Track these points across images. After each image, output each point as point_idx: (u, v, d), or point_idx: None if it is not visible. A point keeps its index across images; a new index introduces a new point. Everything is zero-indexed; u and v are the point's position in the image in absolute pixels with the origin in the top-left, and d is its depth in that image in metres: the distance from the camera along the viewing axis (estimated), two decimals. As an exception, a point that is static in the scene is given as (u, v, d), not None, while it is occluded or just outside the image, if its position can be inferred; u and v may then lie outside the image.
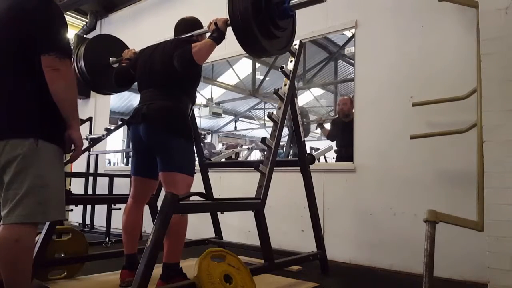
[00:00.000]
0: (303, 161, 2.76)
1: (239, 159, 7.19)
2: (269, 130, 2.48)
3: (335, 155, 4.49)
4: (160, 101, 2.20)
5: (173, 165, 2.13)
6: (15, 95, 1.58)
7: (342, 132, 4.11)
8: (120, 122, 2.73)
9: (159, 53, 2.30)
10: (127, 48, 2.78)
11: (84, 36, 6.07)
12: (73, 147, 1.70)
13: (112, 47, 2.89)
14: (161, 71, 2.25)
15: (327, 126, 5.19)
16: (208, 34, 2.24)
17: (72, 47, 2.47)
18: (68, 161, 1.79)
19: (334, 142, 4.55)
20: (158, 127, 2.15)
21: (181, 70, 2.15)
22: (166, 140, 2.14)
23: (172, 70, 2.17)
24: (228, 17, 2.01)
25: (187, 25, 2.49)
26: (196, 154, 3.03)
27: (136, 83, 2.44)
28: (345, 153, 3.80)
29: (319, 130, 5.56)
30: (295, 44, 2.67)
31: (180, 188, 2.05)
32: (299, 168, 2.77)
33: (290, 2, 1.97)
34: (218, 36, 2.10)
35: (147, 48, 2.44)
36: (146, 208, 2.54)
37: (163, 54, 2.27)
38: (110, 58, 2.78)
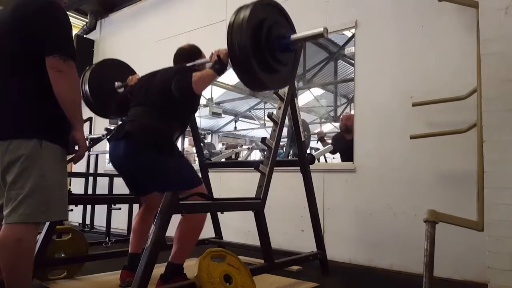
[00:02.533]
0: (303, 161, 2.76)
1: (239, 159, 7.19)
2: (269, 130, 2.48)
3: (335, 156, 4.50)
4: (146, 119, 2.12)
5: (169, 185, 2.00)
6: (19, 96, 1.59)
7: (345, 149, 4.04)
8: (120, 122, 2.72)
9: (159, 77, 2.26)
10: (134, 72, 2.77)
11: (84, 36, 6.07)
12: (76, 147, 1.71)
13: (118, 72, 2.82)
14: (156, 91, 2.18)
15: (328, 140, 5.20)
16: (208, 64, 2.19)
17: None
18: (71, 160, 1.79)
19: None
20: (140, 145, 2.04)
21: (177, 96, 2.08)
22: (151, 159, 2.03)
23: (168, 93, 2.09)
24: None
25: (187, 54, 2.40)
26: (196, 155, 3.03)
27: None
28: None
29: (319, 130, 5.56)
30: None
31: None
32: (299, 168, 2.77)
33: (291, 36, 1.93)
34: (220, 67, 2.04)
35: (147, 74, 2.40)
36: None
37: (162, 77, 2.23)
38: (116, 83, 2.72)
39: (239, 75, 1.89)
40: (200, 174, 3.27)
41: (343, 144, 4.12)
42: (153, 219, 2.41)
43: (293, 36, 1.94)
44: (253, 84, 2.00)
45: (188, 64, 2.28)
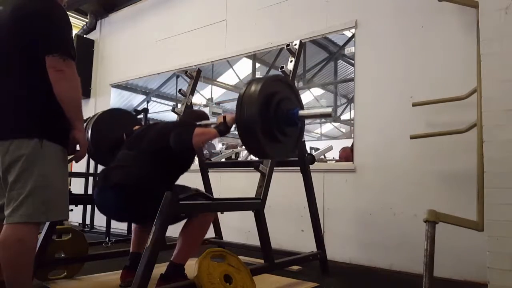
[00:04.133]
0: (303, 161, 2.76)
1: (239, 159, 7.18)
2: (269, 130, 2.48)
3: (335, 156, 4.51)
4: (135, 167, 2.04)
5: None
6: (20, 95, 1.59)
7: None
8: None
9: (159, 125, 2.27)
10: (139, 123, 2.73)
11: (84, 36, 6.07)
12: (78, 147, 1.71)
13: (122, 121, 2.72)
14: (152, 138, 2.15)
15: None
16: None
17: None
18: (72, 160, 1.78)
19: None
20: (129, 198, 1.99)
21: (173, 146, 2.03)
22: (142, 205, 1.98)
23: (163, 142, 2.06)
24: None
25: (195, 116, 2.48)
26: (196, 155, 3.02)
27: None
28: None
29: (319, 130, 5.56)
30: (295, 44, 2.67)
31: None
32: (299, 168, 2.77)
33: (299, 112, 1.94)
34: (223, 129, 2.04)
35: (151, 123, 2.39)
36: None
37: (162, 126, 2.23)
38: (124, 134, 2.51)
39: (244, 143, 1.90)
40: (200, 174, 3.28)
41: None
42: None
43: (301, 112, 1.95)
44: (257, 153, 2.00)
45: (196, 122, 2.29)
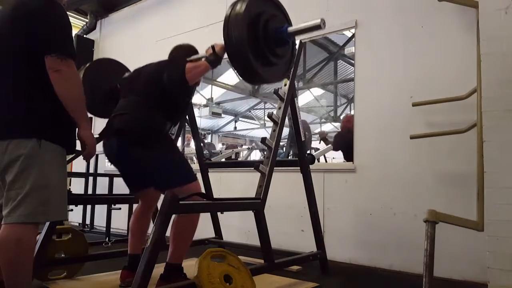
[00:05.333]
0: (303, 161, 2.76)
1: (239, 159, 7.19)
2: (269, 130, 2.48)
3: (335, 155, 4.50)
4: (136, 110, 2.08)
5: (165, 181, 2.02)
6: (19, 95, 1.59)
7: (349, 145, 4.04)
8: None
9: (150, 67, 2.24)
10: (128, 70, 2.69)
11: (84, 36, 6.07)
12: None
13: (114, 71, 2.71)
14: (145, 81, 2.16)
15: (330, 140, 5.21)
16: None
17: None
18: (74, 158, 1.78)
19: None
20: (131, 142, 2.02)
21: (168, 85, 2.05)
22: (143, 155, 2.01)
23: (157, 83, 2.07)
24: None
25: (183, 50, 2.36)
26: (196, 155, 3.03)
27: None
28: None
29: (318, 130, 5.56)
30: (295, 44, 2.67)
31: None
32: (299, 168, 2.77)
33: (288, 29, 1.92)
34: (214, 60, 2.02)
35: (140, 67, 2.36)
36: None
37: (153, 67, 2.21)
38: (118, 84, 2.55)
39: (236, 68, 1.89)
40: (200, 174, 3.27)
41: (346, 140, 4.10)
42: (149, 217, 2.41)
43: (290, 29, 1.93)
44: (250, 77, 2.01)
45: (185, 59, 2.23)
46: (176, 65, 2.08)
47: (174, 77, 2.04)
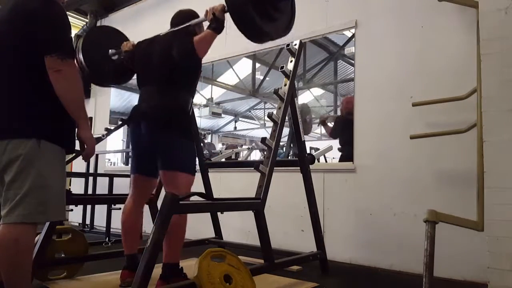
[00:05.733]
0: (303, 161, 2.76)
1: (239, 159, 7.18)
2: (269, 130, 2.48)
3: (335, 155, 4.47)
4: (160, 99, 2.19)
5: (174, 164, 2.14)
6: (18, 95, 1.59)
7: (347, 129, 4.02)
8: (120, 122, 2.72)
9: (157, 46, 2.28)
10: (127, 39, 2.74)
11: (84, 36, 6.07)
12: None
13: (111, 39, 2.81)
14: (160, 65, 2.23)
15: (330, 124, 5.16)
16: (206, 24, 2.18)
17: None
18: (73, 159, 1.79)
19: (337, 140, 4.50)
20: (158, 126, 2.15)
21: (180, 62, 2.13)
22: (167, 139, 2.14)
23: (171, 63, 2.15)
24: (224, 3, 1.97)
25: (185, 17, 2.37)
26: (196, 154, 3.02)
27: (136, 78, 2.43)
28: (349, 152, 3.75)
29: (319, 130, 5.55)
30: (295, 44, 2.67)
31: (181, 187, 2.05)
32: (299, 168, 2.77)
33: None
34: (217, 26, 2.05)
35: (143, 42, 2.44)
36: (146, 208, 2.54)
37: (161, 47, 2.25)
38: (110, 50, 2.70)
39: (239, 25, 1.90)
40: (200, 174, 3.27)
41: (347, 124, 4.01)
42: (141, 214, 2.38)
43: None
44: (253, 33, 2.01)
45: (183, 25, 2.26)
46: (184, 41, 2.12)
47: (184, 54, 2.11)
